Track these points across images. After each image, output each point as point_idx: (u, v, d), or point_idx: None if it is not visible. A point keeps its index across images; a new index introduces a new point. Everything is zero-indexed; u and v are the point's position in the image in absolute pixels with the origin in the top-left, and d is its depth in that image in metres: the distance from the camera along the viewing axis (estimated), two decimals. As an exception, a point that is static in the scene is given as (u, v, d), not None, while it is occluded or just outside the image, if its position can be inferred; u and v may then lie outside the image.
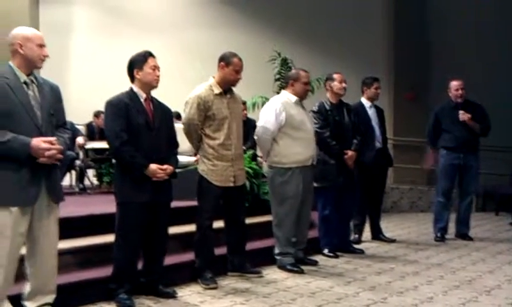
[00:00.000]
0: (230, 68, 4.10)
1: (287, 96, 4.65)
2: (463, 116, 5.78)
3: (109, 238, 3.68)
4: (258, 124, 4.60)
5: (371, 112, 5.73)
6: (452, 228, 6.05)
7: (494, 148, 7.62)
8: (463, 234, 6.00)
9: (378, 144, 5.69)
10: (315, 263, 4.70)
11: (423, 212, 8.39)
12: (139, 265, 3.67)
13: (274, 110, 4.51)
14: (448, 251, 5.38)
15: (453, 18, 8.99)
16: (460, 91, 5.88)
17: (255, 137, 4.67)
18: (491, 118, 5.94)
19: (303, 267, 4.48)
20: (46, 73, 3.42)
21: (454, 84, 5.95)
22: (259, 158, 6.29)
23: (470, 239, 5.92)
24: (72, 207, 4.77)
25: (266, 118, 4.53)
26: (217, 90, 4.08)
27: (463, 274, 4.37)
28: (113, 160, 3.98)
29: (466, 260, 4.93)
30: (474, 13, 8.82)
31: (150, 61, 3.59)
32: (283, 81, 4.87)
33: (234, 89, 4.24)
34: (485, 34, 8.68)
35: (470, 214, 6.08)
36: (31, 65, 2.99)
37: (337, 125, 5.02)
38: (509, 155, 8.31)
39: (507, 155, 8.26)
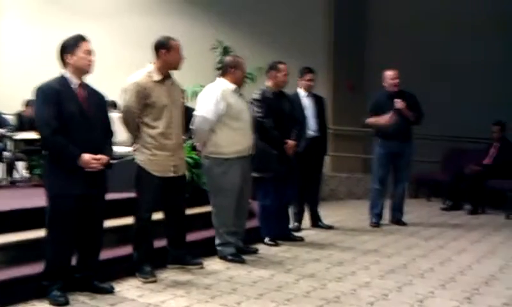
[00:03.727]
0: (171, 52, 3.98)
1: (226, 84, 4.49)
2: (399, 104, 5.95)
3: (41, 233, 3.50)
4: (196, 113, 4.41)
5: (307, 102, 5.76)
6: (386, 214, 6.25)
7: (426, 136, 7.93)
8: (397, 220, 6.20)
9: (312, 133, 5.71)
10: (255, 251, 4.71)
11: (359, 199, 8.60)
12: (73, 260, 3.52)
13: (214, 98, 4.35)
14: (383, 236, 5.55)
15: (391, 10, 9.22)
16: (396, 80, 6.04)
17: (192, 128, 4.48)
18: (424, 107, 6.14)
19: (244, 256, 4.47)
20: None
21: (389, 74, 6.10)
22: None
23: (404, 224, 6.14)
24: (1, 201, 4.52)
25: (206, 107, 4.35)
26: (156, 77, 3.94)
27: (398, 259, 4.51)
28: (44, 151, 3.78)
29: (401, 245, 5.10)
30: (412, 8, 9.08)
31: (83, 45, 3.42)
32: (221, 68, 4.69)
33: (174, 76, 4.12)
34: (421, 27, 8.95)
35: (403, 200, 6.30)
36: None
37: (278, 113, 5.00)
38: (441, 143, 8.65)
39: (438, 143, 8.60)
